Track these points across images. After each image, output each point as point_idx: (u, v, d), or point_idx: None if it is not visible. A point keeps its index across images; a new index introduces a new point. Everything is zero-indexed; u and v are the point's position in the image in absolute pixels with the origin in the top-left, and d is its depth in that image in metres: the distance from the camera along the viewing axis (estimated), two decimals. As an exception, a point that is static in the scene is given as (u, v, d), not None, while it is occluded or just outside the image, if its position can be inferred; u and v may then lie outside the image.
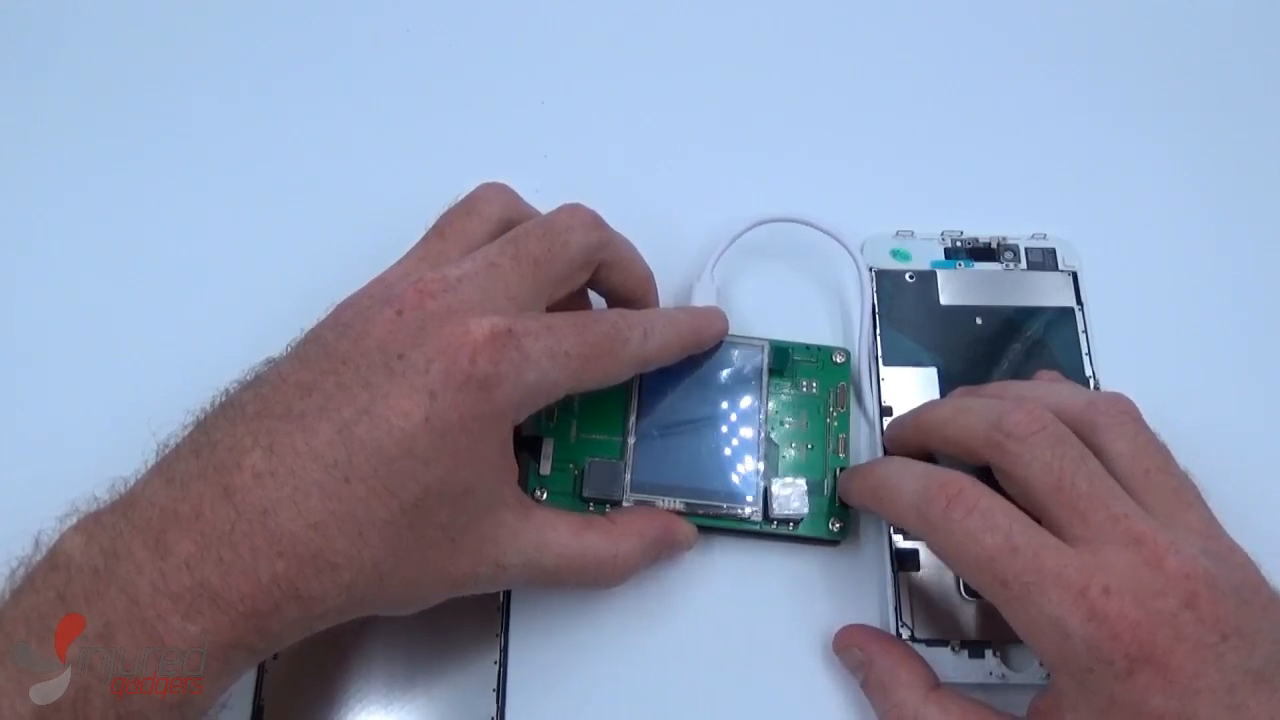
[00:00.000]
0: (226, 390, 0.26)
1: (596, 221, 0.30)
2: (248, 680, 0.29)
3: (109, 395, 0.34)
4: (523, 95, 0.41)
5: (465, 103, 0.41)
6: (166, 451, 0.25)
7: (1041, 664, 0.25)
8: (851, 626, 0.31)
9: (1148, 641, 0.23)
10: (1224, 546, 0.26)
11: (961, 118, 0.41)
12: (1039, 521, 0.26)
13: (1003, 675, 0.30)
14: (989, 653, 0.30)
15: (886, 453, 0.33)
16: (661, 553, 0.31)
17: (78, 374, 0.35)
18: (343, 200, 0.38)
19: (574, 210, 0.29)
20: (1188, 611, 0.23)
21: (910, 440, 0.31)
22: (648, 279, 0.32)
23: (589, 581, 0.29)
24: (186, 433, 0.25)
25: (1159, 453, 0.27)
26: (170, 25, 0.42)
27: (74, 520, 0.23)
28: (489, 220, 0.30)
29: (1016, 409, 0.27)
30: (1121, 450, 0.27)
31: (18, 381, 0.35)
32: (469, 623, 0.31)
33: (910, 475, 0.28)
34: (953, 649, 0.30)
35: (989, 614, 0.30)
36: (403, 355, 0.24)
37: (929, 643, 0.30)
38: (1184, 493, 0.27)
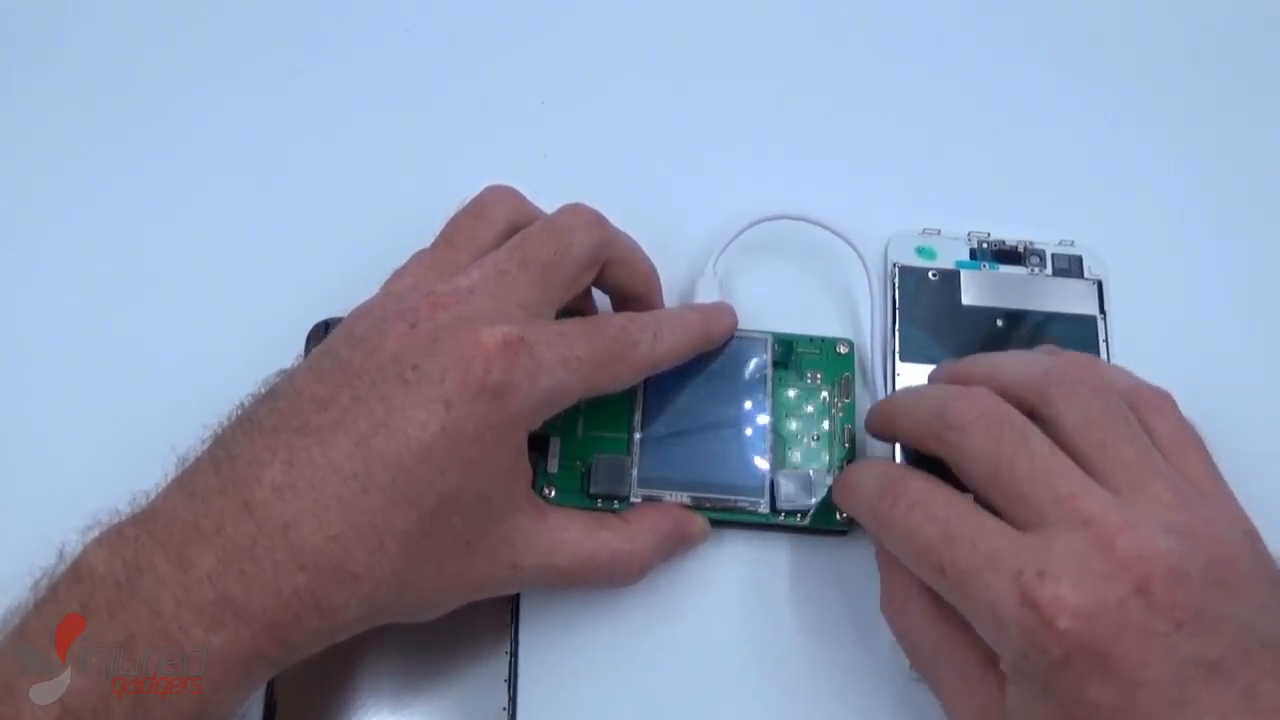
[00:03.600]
0: (242, 404, 0.27)
1: (598, 220, 0.31)
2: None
3: (127, 408, 0.35)
4: (523, 95, 0.42)
5: (465, 103, 0.42)
6: (186, 466, 0.26)
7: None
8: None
9: (1085, 630, 0.22)
10: (1199, 519, 0.25)
11: (994, 121, 0.43)
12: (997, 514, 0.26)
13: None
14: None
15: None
16: (676, 547, 0.32)
17: (96, 387, 0.36)
18: (344, 202, 0.39)
19: (575, 210, 0.31)
20: (1137, 598, 0.23)
21: (880, 430, 0.32)
22: (651, 275, 0.34)
23: (606, 579, 0.30)
24: (205, 447, 0.26)
25: (1116, 421, 0.26)
26: (171, 29, 0.43)
27: (96, 532, 0.25)
28: (496, 225, 0.31)
29: (957, 397, 0.27)
30: (1075, 422, 0.26)
31: (37, 395, 0.36)
32: (480, 614, 0.31)
33: (870, 475, 0.29)
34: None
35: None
36: (417, 366, 0.25)
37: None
38: (1151, 460, 0.26)
